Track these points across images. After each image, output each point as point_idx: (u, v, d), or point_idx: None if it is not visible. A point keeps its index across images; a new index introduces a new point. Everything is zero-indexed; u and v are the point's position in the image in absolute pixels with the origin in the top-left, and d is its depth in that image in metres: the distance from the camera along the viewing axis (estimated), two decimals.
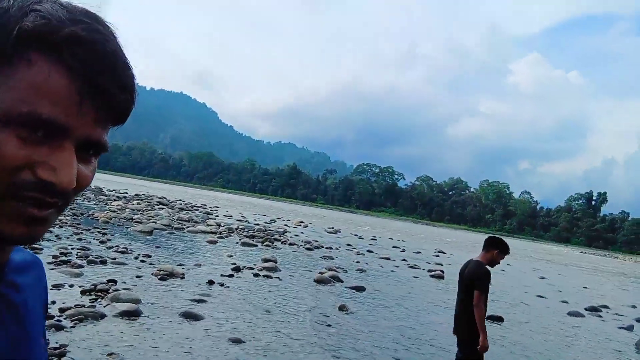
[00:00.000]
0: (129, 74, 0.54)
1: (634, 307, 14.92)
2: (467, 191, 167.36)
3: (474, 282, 4.41)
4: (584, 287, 18.50)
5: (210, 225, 19.34)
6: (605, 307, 13.61)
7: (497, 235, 4.98)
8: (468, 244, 44.30)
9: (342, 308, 8.34)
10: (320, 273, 11.46)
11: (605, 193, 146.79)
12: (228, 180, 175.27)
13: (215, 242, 14.82)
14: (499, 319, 9.56)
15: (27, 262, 0.66)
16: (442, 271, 15.86)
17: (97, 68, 0.50)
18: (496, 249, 4.56)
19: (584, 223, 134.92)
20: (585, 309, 12.66)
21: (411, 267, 16.62)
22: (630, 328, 10.94)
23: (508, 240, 4.92)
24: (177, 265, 9.76)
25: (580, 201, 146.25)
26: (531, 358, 7.26)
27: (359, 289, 10.57)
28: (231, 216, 28.75)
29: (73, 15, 0.50)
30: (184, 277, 8.71)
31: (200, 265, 10.36)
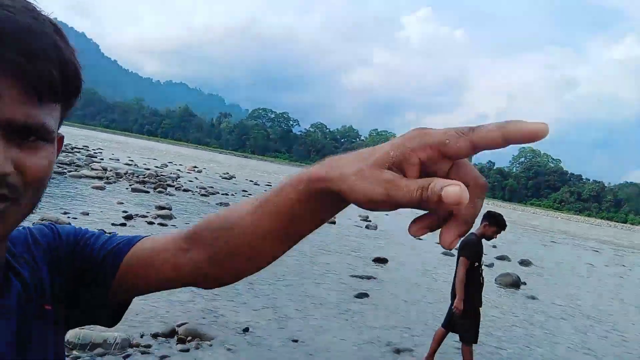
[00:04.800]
0: (41, 40, 0.48)
1: (494, 247, 17.14)
2: (357, 139, 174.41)
3: (460, 249, 4.81)
4: None
5: (96, 170, 18.07)
6: None
7: (492, 210, 4.93)
8: None
9: None
10: None
11: None
12: (112, 120, 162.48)
13: (103, 188, 13.97)
14: (383, 261, 10.48)
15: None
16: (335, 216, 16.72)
17: None
18: (485, 222, 4.71)
19: None
20: (455, 249, 14.31)
21: None
22: (491, 265, 12.67)
23: None
24: (62, 213, 9.11)
25: None
26: (411, 292, 8.16)
27: None
28: (118, 159, 27.04)
29: None
30: None
31: (88, 213, 9.78)
